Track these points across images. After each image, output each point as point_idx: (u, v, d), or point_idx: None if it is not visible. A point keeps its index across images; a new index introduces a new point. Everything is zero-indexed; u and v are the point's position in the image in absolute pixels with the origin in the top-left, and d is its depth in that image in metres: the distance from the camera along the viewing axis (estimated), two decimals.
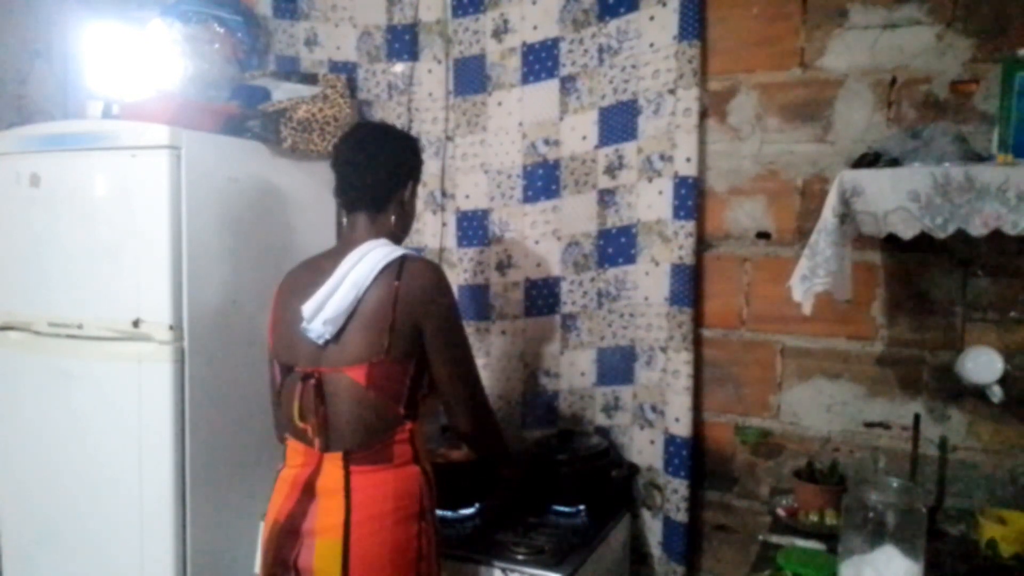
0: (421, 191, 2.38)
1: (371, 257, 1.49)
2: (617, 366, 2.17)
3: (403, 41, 2.37)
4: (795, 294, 1.62)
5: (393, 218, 1.60)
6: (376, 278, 1.46)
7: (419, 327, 1.47)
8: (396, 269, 1.47)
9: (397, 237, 1.62)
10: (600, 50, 2.12)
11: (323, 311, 1.45)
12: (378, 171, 1.58)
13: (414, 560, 1.46)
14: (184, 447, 1.89)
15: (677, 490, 2.04)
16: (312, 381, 1.46)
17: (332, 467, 1.46)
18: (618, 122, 2.11)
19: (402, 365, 1.46)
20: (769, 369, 2.02)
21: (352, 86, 2.40)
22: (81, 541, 2.02)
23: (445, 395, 1.54)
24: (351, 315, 1.46)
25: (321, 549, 1.43)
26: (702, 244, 2.05)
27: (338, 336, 1.46)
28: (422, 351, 1.49)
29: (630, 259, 2.12)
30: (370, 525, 1.43)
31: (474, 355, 1.60)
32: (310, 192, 2.32)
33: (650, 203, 2.07)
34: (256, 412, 2.08)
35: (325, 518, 1.44)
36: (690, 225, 2.00)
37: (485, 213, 2.31)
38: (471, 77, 2.29)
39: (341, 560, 1.41)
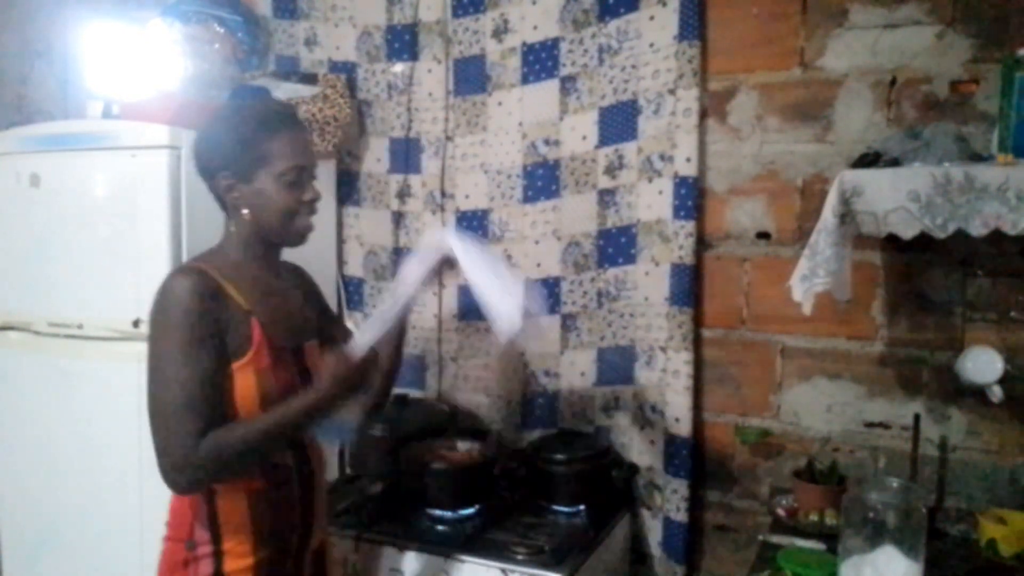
0: (420, 191, 2.39)
1: None
2: (617, 366, 2.17)
3: (403, 41, 2.37)
4: (795, 294, 1.62)
5: (236, 221, 1.38)
6: None
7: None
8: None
9: (254, 237, 1.39)
10: (600, 50, 2.12)
11: None
12: (196, 169, 1.40)
13: None
14: None
15: (677, 490, 2.04)
16: None
17: None
18: (618, 122, 2.11)
19: None
20: (769, 369, 2.02)
21: (352, 86, 2.40)
22: (82, 541, 2.02)
23: None
24: None
25: None
26: (702, 244, 2.05)
27: None
28: None
29: (630, 259, 2.12)
30: (165, 535, 1.39)
31: (178, 390, 1.24)
32: None
33: (650, 203, 2.07)
34: None
35: None
36: (690, 225, 2.00)
37: (485, 213, 2.31)
38: (471, 77, 2.29)
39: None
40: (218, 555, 1.32)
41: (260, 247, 1.40)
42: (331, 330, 1.58)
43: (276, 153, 1.34)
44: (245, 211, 1.36)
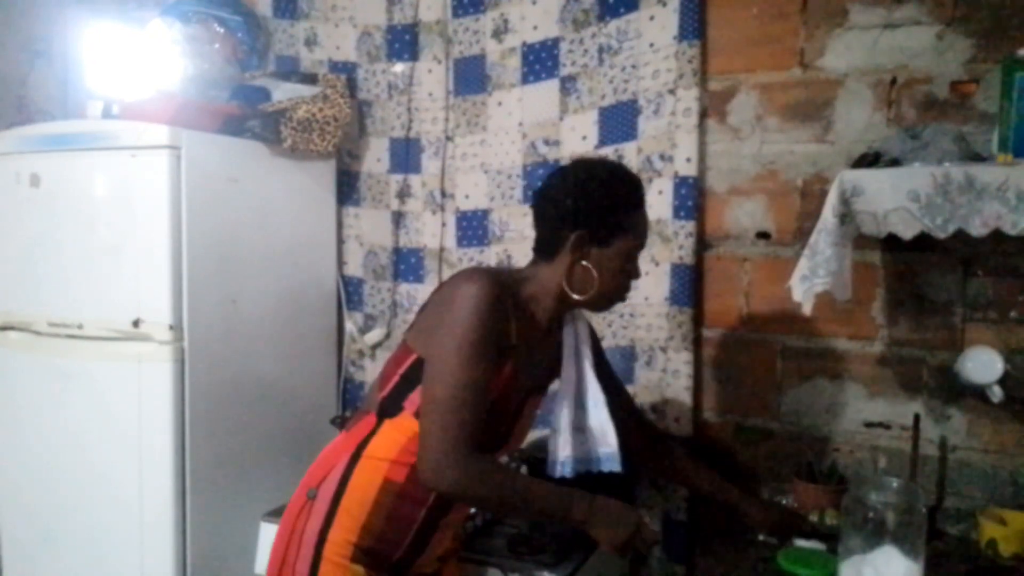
0: (420, 191, 2.39)
1: None
2: (617, 366, 2.16)
3: (403, 41, 2.37)
4: (795, 294, 1.62)
5: (560, 272, 1.39)
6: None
7: (423, 340, 1.38)
8: (443, 284, 1.41)
9: (569, 297, 1.40)
10: (600, 50, 2.12)
11: None
12: (545, 211, 1.42)
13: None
14: (184, 447, 1.89)
15: (677, 490, 2.04)
16: None
17: None
18: (618, 122, 2.11)
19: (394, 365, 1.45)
20: (769, 369, 2.02)
21: (352, 86, 2.40)
22: (81, 541, 2.02)
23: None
24: None
25: None
26: (702, 244, 2.05)
27: None
28: None
29: None
30: None
31: (462, 391, 1.27)
32: (310, 192, 2.32)
33: (650, 203, 2.05)
34: (256, 412, 2.09)
35: None
36: (690, 225, 2.00)
37: (485, 213, 2.31)
38: (471, 77, 2.29)
39: None
40: (330, 518, 1.35)
41: (560, 302, 1.41)
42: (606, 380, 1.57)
43: (636, 228, 1.41)
44: (593, 271, 1.37)
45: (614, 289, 1.42)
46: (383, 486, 1.36)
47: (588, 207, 1.37)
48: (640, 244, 1.43)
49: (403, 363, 1.38)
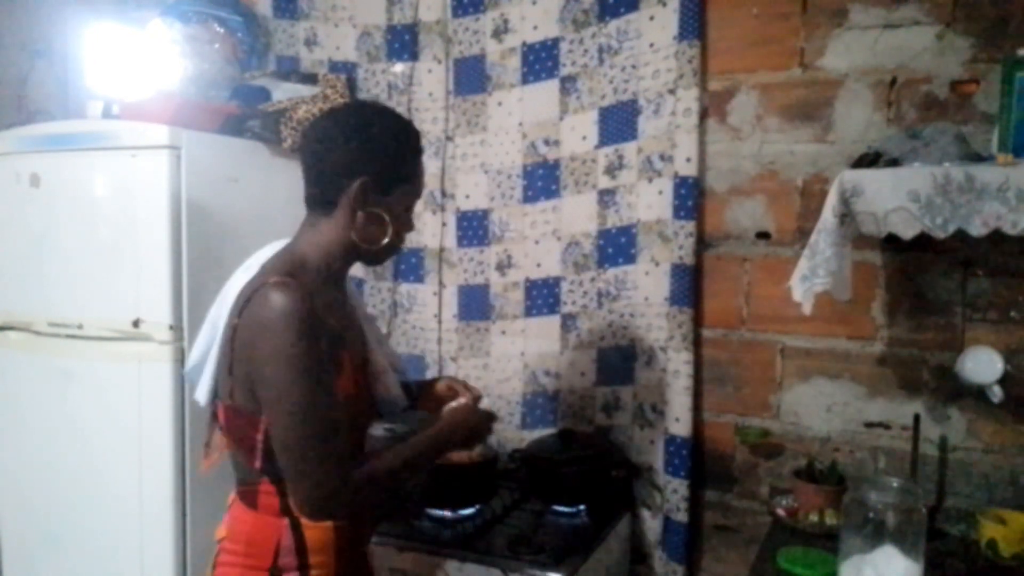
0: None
1: (237, 283, 1.28)
2: (617, 366, 2.17)
3: (403, 41, 2.37)
4: (795, 294, 1.62)
5: (343, 225, 1.27)
6: (231, 311, 1.24)
7: (253, 378, 1.20)
8: (244, 301, 1.20)
9: (357, 250, 1.30)
10: (600, 50, 2.12)
11: (191, 353, 1.38)
12: (321, 158, 1.27)
13: None
14: (184, 447, 1.89)
15: (677, 490, 2.04)
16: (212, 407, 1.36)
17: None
18: (618, 122, 2.11)
19: (249, 417, 1.23)
20: (769, 369, 2.02)
21: (352, 86, 2.40)
22: (81, 541, 2.02)
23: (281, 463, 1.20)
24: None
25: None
26: (702, 244, 2.05)
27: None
28: None
29: (630, 259, 2.12)
30: (227, 559, 1.32)
31: (318, 419, 1.17)
32: None
33: (650, 203, 2.07)
34: None
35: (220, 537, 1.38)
36: (690, 225, 2.00)
37: (485, 213, 2.31)
38: (471, 77, 2.29)
39: None
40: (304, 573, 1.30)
41: (344, 260, 1.32)
42: None
43: (418, 175, 1.32)
44: (385, 217, 1.27)
45: (392, 240, 1.30)
46: (336, 526, 1.30)
47: (372, 153, 1.25)
48: (419, 194, 1.34)
49: (257, 428, 1.23)
